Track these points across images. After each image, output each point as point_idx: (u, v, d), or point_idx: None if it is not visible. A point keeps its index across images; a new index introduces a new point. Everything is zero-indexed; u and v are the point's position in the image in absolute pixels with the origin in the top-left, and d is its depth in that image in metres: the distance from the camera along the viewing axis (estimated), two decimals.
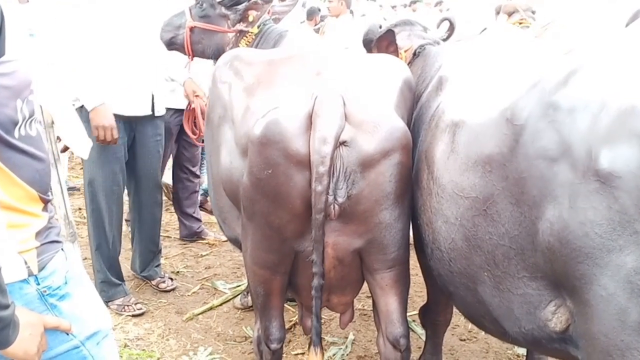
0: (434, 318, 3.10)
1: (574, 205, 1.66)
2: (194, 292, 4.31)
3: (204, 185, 5.79)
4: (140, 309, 3.94)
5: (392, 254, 2.45)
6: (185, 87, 4.18)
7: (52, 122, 2.92)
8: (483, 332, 3.80)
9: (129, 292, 4.05)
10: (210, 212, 5.73)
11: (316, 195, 2.21)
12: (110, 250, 3.91)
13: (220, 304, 4.13)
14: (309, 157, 2.22)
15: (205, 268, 4.73)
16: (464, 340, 3.73)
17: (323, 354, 2.46)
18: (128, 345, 3.54)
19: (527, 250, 1.86)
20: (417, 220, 2.44)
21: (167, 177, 6.15)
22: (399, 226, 2.42)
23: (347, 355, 3.57)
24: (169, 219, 5.80)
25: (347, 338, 3.72)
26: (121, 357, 3.32)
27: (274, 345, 2.62)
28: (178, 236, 5.34)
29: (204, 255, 4.97)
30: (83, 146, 3.09)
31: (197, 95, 4.17)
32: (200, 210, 5.68)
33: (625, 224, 1.55)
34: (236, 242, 2.92)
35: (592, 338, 1.68)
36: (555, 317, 1.86)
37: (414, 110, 2.68)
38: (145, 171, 3.97)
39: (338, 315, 3.99)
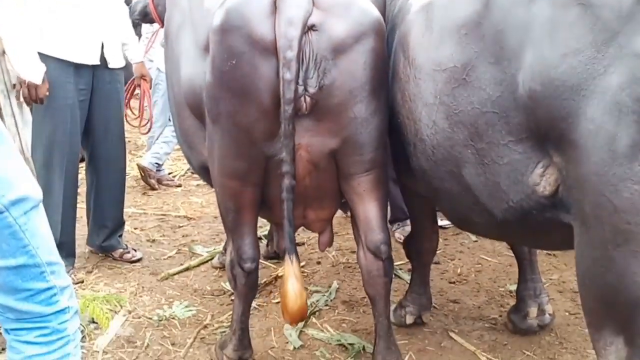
0: (418, 246, 2.96)
1: (554, 40, 1.59)
2: (169, 256, 4.10)
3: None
4: (80, 279, 3.62)
5: (369, 154, 2.31)
6: (134, 69, 4.10)
7: (3, 52, 2.73)
8: (473, 274, 3.66)
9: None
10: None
11: (285, 84, 2.07)
12: (59, 211, 3.54)
13: (198, 265, 3.93)
14: (275, 43, 2.08)
15: (183, 236, 4.53)
16: (454, 282, 3.58)
17: (299, 263, 2.29)
18: (97, 304, 3.31)
19: (510, 110, 1.76)
20: (397, 119, 2.30)
21: (144, 160, 5.99)
22: (376, 122, 2.28)
23: (331, 301, 3.39)
24: (147, 200, 5.60)
25: (330, 287, 3.54)
26: (88, 300, 3.11)
27: (247, 265, 2.45)
28: (155, 213, 5.13)
29: (182, 227, 4.76)
30: (34, 70, 2.88)
31: (144, 79, 4.14)
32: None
33: (609, 42, 1.46)
34: (204, 172, 2.73)
35: (583, 184, 1.56)
36: (543, 179, 1.75)
37: (389, 13, 2.56)
38: (103, 121, 3.67)
39: (320, 268, 3.89)
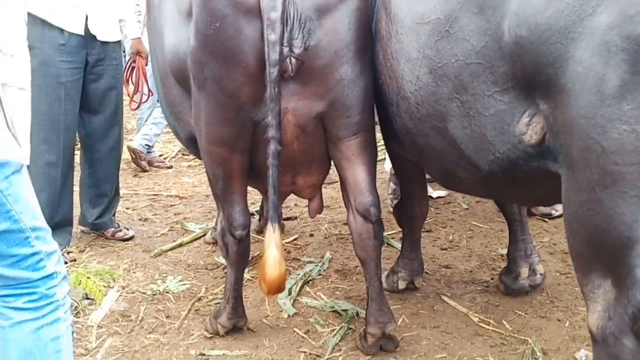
0: (409, 212, 2.97)
1: None
2: (162, 234, 4.09)
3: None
4: (74, 258, 3.62)
5: (356, 116, 2.30)
6: (131, 45, 4.11)
7: None
8: (464, 240, 3.68)
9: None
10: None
11: (269, 45, 2.05)
12: (55, 192, 3.55)
13: (191, 241, 3.92)
14: (258, 4, 2.06)
15: (175, 214, 4.52)
16: (445, 249, 3.60)
17: (281, 232, 2.28)
18: (90, 278, 3.31)
19: (495, 60, 1.75)
20: (379, 79, 2.29)
21: (134, 142, 5.96)
22: (362, 84, 2.27)
23: (324, 270, 3.40)
24: (138, 182, 5.57)
25: (323, 257, 3.55)
26: (81, 275, 3.11)
27: (238, 232, 2.44)
28: (147, 194, 5.12)
29: (174, 205, 4.75)
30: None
31: (140, 55, 4.15)
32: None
33: None
34: (192, 144, 2.71)
35: (571, 128, 1.55)
36: (530, 128, 1.74)
37: None
38: (97, 96, 3.67)
39: (313, 240, 3.90)
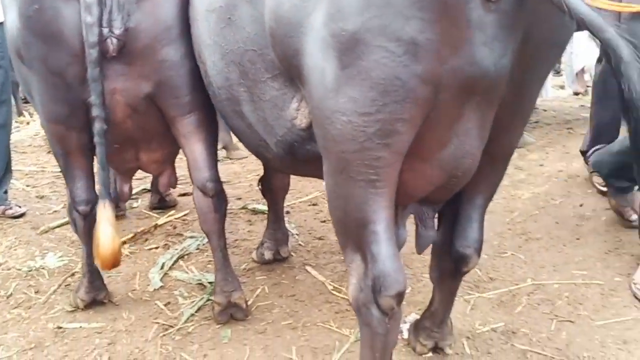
0: (270, 183, 3.09)
1: None
2: (55, 211, 4.13)
3: None
4: None
5: (185, 97, 2.37)
6: None
7: None
8: None
9: None
10: None
11: (87, 27, 2.11)
12: None
13: None
14: None
15: None
16: (324, 221, 3.74)
17: (113, 208, 2.36)
18: None
19: (264, 48, 1.82)
20: (198, 62, 2.34)
21: None
22: (188, 66, 2.33)
23: (203, 245, 3.49)
24: (49, 159, 5.50)
25: None
26: None
27: (82, 208, 2.52)
28: (53, 171, 5.09)
29: None
30: None
31: None
32: None
33: None
34: None
35: (314, 117, 1.65)
36: (299, 113, 1.83)
37: None
38: None
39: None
